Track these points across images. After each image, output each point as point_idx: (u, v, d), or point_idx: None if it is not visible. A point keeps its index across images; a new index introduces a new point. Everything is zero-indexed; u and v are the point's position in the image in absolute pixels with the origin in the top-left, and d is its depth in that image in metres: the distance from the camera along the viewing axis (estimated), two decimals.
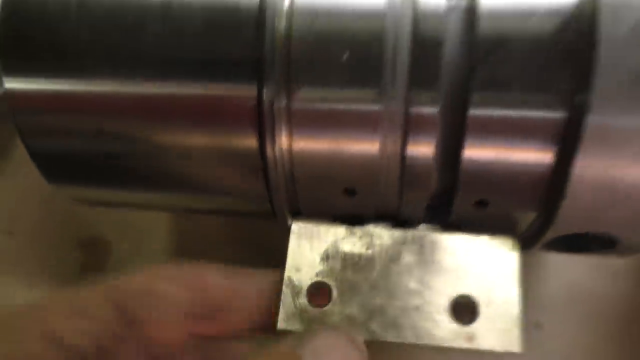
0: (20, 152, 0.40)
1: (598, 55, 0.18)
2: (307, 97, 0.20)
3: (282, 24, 0.20)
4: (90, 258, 0.37)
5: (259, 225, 0.35)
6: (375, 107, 0.20)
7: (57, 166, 0.25)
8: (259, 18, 0.20)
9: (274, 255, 0.27)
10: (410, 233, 0.25)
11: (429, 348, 0.28)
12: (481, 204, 0.22)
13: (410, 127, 0.20)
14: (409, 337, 0.23)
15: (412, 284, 0.24)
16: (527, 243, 0.24)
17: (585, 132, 0.18)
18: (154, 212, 0.36)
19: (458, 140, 0.20)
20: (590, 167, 0.19)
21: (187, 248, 0.36)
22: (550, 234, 0.22)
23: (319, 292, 0.24)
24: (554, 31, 0.19)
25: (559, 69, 0.19)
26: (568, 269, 0.34)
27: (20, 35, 0.22)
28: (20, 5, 0.22)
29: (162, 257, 0.36)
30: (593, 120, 0.18)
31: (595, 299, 0.34)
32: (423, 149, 0.21)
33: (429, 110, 0.20)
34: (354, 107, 0.20)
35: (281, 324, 0.23)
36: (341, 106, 0.20)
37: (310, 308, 0.23)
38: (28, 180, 0.38)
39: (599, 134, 0.18)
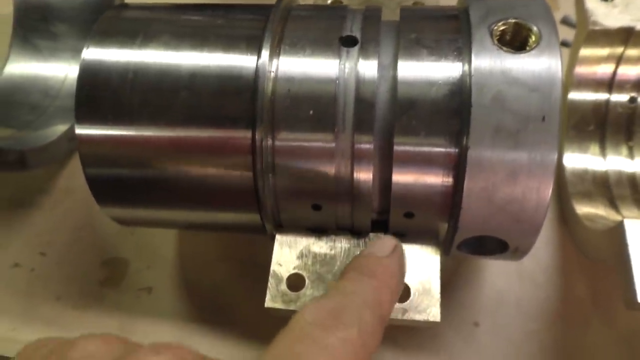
0: (57, 191, 0.48)
1: (473, 114, 0.27)
2: (285, 138, 0.29)
3: (269, 88, 0.30)
4: (110, 274, 0.44)
5: (246, 244, 0.44)
6: (331, 145, 0.29)
7: (107, 190, 0.33)
8: (254, 84, 0.30)
9: (258, 269, 0.35)
10: (362, 240, 0.34)
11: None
12: (409, 215, 0.32)
13: (355, 159, 0.29)
14: None
15: None
16: (445, 248, 0.33)
17: (469, 161, 0.28)
18: (164, 235, 0.45)
19: (389, 168, 0.30)
20: (475, 186, 0.28)
21: (189, 264, 0.44)
22: (458, 238, 0.31)
23: (296, 280, 0.32)
24: (446, 97, 0.28)
25: (450, 122, 0.28)
26: (498, 279, 0.42)
27: (91, 97, 0.31)
28: (92, 75, 0.31)
29: (170, 270, 0.44)
30: (472, 154, 0.28)
31: (520, 303, 0.41)
32: (364, 175, 0.30)
33: (367, 146, 0.29)
34: (317, 144, 0.29)
35: (268, 303, 0.32)
36: (309, 144, 0.29)
37: (289, 292, 0.32)
38: (61, 213, 0.47)
39: (477, 163, 0.28)
